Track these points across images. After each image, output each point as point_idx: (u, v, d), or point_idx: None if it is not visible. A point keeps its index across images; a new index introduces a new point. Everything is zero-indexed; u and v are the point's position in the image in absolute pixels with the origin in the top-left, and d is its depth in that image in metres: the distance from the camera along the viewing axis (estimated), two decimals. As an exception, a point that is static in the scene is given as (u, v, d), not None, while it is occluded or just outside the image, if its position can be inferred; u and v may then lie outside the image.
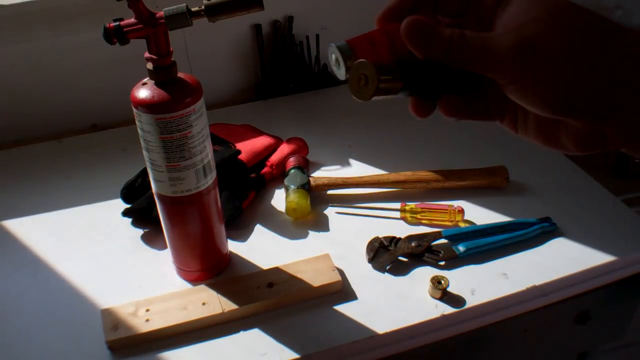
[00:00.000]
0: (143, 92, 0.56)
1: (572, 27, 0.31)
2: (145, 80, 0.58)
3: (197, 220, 0.65)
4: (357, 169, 0.88)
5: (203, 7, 0.53)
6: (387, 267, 0.70)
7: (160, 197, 0.63)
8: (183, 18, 0.54)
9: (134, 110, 0.57)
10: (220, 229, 0.68)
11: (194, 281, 0.69)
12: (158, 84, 0.57)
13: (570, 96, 0.31)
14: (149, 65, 0.56)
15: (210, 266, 0.69)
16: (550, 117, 0.33)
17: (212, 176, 0.63)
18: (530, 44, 0.30)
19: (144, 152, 0.60)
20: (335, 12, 1.08)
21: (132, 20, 0.55)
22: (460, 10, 0.36)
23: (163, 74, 0.57)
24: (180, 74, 0.59)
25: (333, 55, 0.41)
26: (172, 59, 0.57)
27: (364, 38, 0.42)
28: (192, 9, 0.54)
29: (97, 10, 0.90)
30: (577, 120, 0.32)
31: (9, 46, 0.92)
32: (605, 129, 0.32)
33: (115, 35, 0.55)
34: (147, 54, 0.56)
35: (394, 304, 0.66)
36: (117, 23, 0.54)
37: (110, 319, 0.62)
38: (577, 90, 0.31)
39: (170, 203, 0.63)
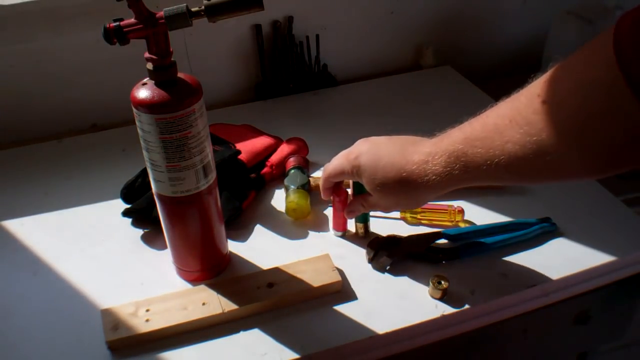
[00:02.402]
0: (143, 92, 0.56)
1: (390, 195, 0.64)
2: (145, 80, 0.58)
3: (197, 221, 0.65)
4: (357, 169, 0.88)
5: (203, 7, 0.53)
6: (387, 267, 0.70)
7: (160, 197, 0.63)
8: (183, 18, 0.54)
9: (134, 110, 0.57)
10: (220, 229, 0.68)
11: (194, 281, 0.69)
12: (158, 84, 0.57)
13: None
14: (149, 66, 0.56)
15: (210, 266, 0.69)
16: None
17: (212, 176, 0.63)
18: (383, 206, 0.68)
19: (144, 152, 0.60)
20: (335, 12, 1.08)
21: (132, 20, 0.54)
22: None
23: (163, 74, 0.57)
24: (180, 74, 0.59)
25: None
26: (172, 59, 0.57)
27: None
28: (192, 9, 0.54)
29: (97, 10, 0.90)
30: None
31: (9, 46, 0.92)
32: None
33: (115, 36, 0.54)
34: (147, 54, 0.56)
35: (394, 304, 0.66)
36: (117, 23, 0.54)
37: (110, 319, 0.62)
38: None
39: (170, 203, 0.63)
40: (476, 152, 0.53)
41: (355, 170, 0.65)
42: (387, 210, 0.69)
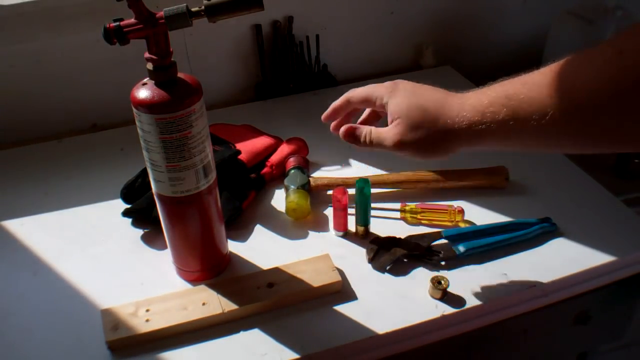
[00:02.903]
0: (143, 92, 0.56)
1: (417, 123, 0.55)
2: (145, 80, 0.58)
3: (197, 221, 0.65)
4: (357, 169, 0.88)
5: (203, 7, 0.53)
6: (387, 267, 0.70)
7: (160, 197, 0.63)
8: (183, 18, 0.54)
9: (134, 110, 0.57)
10: (220, 230, 0.68)
11: (194, 281, 0.69)
12: (158, 84, 0.57)
13: (421, 155, 0.57)
14: (149, 66, 0.56)
15: (210, 266, 0.69)
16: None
17: (212, 176, 0.63)
18: (398, 144, 0.57)
19: (144, 153, 0.60)
20: (335, 12, 1.08)
21: (132, 20, 0.54)
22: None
23: (163, 74, 0.57)
24: (180, 74, 0.59)
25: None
26: (172, 59, 0.57)
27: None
28: (192, 9, 0.54)
29: (97, 10, 0.90)
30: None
31: (9, 46, 0.92)
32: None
33: (115, 36, 0.54)
34: (147, 54, 0.56)
35: (394, 304, 0.66)
36: (117, 23, 0.54)
37: (110, 319, 0.62)
38: (424, 154, 0.57)
39: (170, 203, 0.63)
40: (532, 97, 0.48)
41: (391, 89, 0.59)
42: (396, 149, 0.58)
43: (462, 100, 0.54)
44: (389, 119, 0.58)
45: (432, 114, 0.55)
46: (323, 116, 0.65)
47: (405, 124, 0.56)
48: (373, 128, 0.60)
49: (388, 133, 0.58)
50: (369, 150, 0.60)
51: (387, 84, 0.60)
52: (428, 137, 0.55)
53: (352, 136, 0.61)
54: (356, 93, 0.62)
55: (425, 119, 0.55)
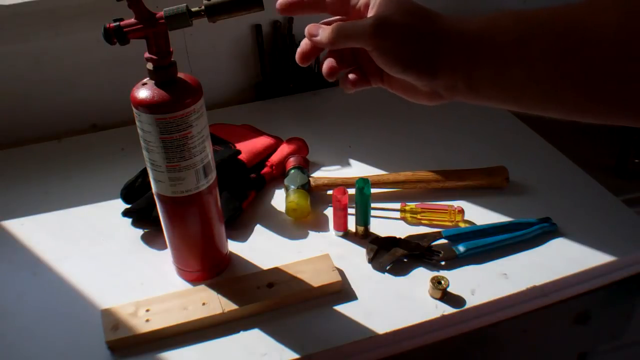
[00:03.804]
0: (143, 92, 0.56)
1: (411, 13, 0.44)
2: (145, 80, 0.58)
3: (197, 221, 0.65)
4: (357, 169, 0.88)
5: (203, 7, 0.53)
6: (387, 267, 0.70)
7: (160, 197, 0.63)
8: (183, 18, 0.54)
9: (134, 110, 0.57)
10: (221, 230, 0.68)
11: (194, 281, 0.69)
12: (158, 84, 0.57)
13: (405, 59, 0.44)
14: (149, 66, 0.56)
15: (210, 266, 0.69)
16: (398, 76, 0.45)
17: (212, 177, 0.63)
18: (381, 21, 0.43)
19: (144, 152, 0.60)
20: (335, 12, 1.08)
21: (132, 20, 0.54)
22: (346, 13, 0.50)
23: (163, 74, 0.57)
24: (180, 74, 0.59)
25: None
26: (172, 59, 0.57)
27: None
28: (192, 9, 0.54)
29: (97, 10, 0.90)
30: (414, 79, 0.45)
31: (9, 46, 0.92)
32: (436, 87, 0.46)
33: (115, 35, 0.54)
34: (147, 54, 0.56)
35: (394, 304, 0.66)
36: (117, 23, 0.54)
37: (110, 319, 0.62)
38: (409, 55, 0.44)
39: (170, 203, 0.63)
40: (557, 25, 0.40)
41: None
42: (375, 32, 0.44)
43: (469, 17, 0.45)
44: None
45: (429, 12, 0.45)
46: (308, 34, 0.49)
47: (395, 6, 0.44)
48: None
49: (365, 19, 0.45)
50: (336, 47, 0.47)
51: None
52: (419, 25, 0.44)
53: (316, 29, 0.48)
54: None
55: (420, 11, 0.45)
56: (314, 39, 0.48)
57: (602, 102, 0.40)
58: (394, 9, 0.44)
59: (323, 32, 0.47)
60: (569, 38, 0.39)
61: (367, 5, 0.47)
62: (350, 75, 0.51)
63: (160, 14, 0.54)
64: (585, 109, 0.41)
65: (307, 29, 0.49)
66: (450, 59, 0.43)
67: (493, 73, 0.42)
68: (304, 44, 0.50)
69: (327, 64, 0.50)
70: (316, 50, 0.50)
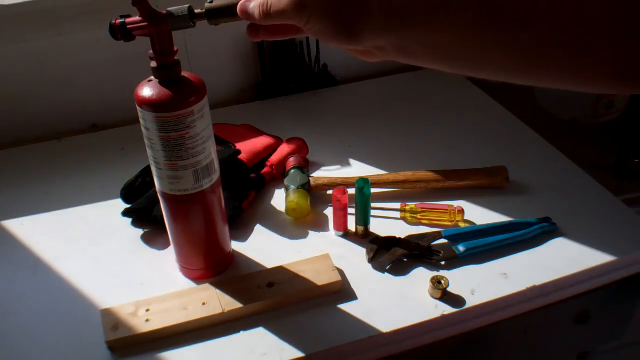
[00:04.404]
0: (144, 90, 0.57)
1: None
2: (151, 77, 0.58)
3: (199, 219, 0.65)
4: (357, 169, 0.88)
5: (204, 10, 0.53)
6: (387, 267, 0.70)
7: (162, 194, 0.64)
8: (184, 20, 0.54)
9: (137, 107, 0.58)
10: (224, 228, 0.68)
11: (197, 279, 0.69)
12: (162, 82, 0.57)
13: (329, 31, 0.44)
14: (153, 64, 0.57)
15: (212, 265, 0.69)
16: (328, 45, 0.46)
17: (213, 177, 0.63)
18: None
19: (148, 150, 0.61)
20: (335, 12, 1.08)
21: (137, 18, 0.55)
22: None
23: (165, 73, 0.57)
24: (186, 74, 0.59)
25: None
26: (176, 58, 0.57)
27: None
28: (195, 11, 0.54)
29: (97, 10, 0.90)
30: (342, 46, 0.45)
31: (9, 46, 0.92)
32: (365, 49, 0.46)
33: (120, 32, 0.55)
34: (150, 52, 0.56)
35: (394, 304, 0.66)
36: (123, 20, 0.55)
37: (110, 319, 0.62)
38: (333, 27, 0.44)
39: (172, 201, 0.63)
40: None
41: None
42: (297, 9, 0.45)
43: None
44: None
45: None
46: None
47: None
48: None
49: None
50: (269, 23, 0.48)
51: None
52: None
53: (245, 7, 0.50)
54: None
55: None
56: (249, 19, 0.50)
57: (537, 65, 0.39)
58: None
59: (253, 9, 0.49)
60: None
61: None
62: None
63: (164, 12, 0.54)
64: (521, 70, 0.40)
65: (239, 7, 0.50)
66: (373, 24, 0.42)
67: (420, 35, 0.41)
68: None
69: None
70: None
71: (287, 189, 0.80)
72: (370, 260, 0.71)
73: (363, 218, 0.74)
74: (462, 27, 0.39)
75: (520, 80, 0.41)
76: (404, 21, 0.41)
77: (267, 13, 0.47)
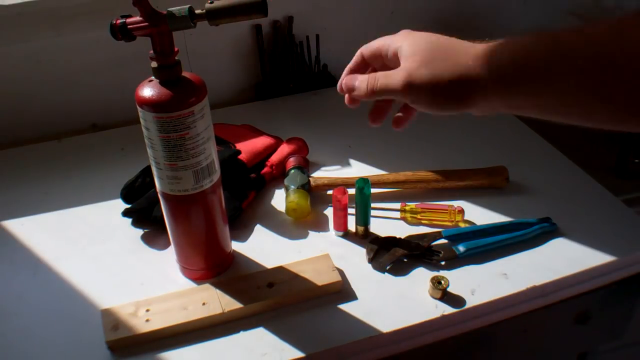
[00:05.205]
0: (144, 90, 0.57)
1: (437, 57, 0.48)
2: (151, 77, 0.58)
3: (199, 219, 0.65)
4: (357, 169, 0.88)
5: (205, 10, 0.53)
6: (387, 267, 0.70)
7: (162, 194, 0.64)
8: (185, 20, 0.54)
9: (138, 107, 0.57)
10: (224, 229, 0.68)
11: (197, 280, 0.69)
12: (162, 82, 0.57)
13: (440, 104, 0.48)
14: (153, 64, 0.57)
15: (213, 265, 0.69)
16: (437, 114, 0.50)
17: (213, 178, 0.63)
18: (410, 79, 0.48)
19: (148, 150, 0.61)
20: (335, 12, 1.08)
21: (138, 18, 0.55)
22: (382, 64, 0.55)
23: (166, 73, 0.57)
24: (187, 74, 0.59)
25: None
26: (177, 58, 0.57)
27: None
28: (195, 12, 0.54)
29: (98, 10, 0.90)
30: (451, 114, 0.49)
31: (9, 46, 0.92)
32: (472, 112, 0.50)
33: (120, 32, 0.55)
34: (151, 53, 0.56)
35: (394, 304, 0.66)
36: (123, 20, 0.55)
37: (110, 319, 0.62)
38: (442, 101, 0.48)
39: (171, 201, 0.63)
40: (589, 39, 0.41)
41: (405, 35, 0.52)
42: (405, 90, 0.49)
43: (494, 44, 0.47)
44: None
45: (454, 47, 0.48)
46: (340, 87, 0.56)
47: (419, 58, 0.48)
48: (379, 72, 0.52)
49: (397, 72, 0.49)
50: (373, 98, 0.52)
51: (402, 31, 0.53)
52: (445, 72, 0.47)
53: (351, 82, 0.54)
54: (368, 45, 0.55)
55: (445, 52, 0.47)
56: (354, 93, 0.54)
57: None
58: (419, 59, 0.48)
59: (360, 84, 0.53)
60: (598, 62, 0.40)
61: (395, 54, 0.51)
62: (397, 115, 0.58)
63: (164, 13, 0.54)
64: (620, 119, 0.43)
65: (345, 83, 0.54)
66: (484, 96, 0.46)
67: (528, 98, 0.45)
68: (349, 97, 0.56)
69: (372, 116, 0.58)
70: (386, 108, 0.58)
71: (287, 189, 0.80)
72: (370, 260, 0.71)
73: (363, 218, 0.74)
74: (566, 93, 0.43)
75: (627, 128, 0.44)
76: (509, 89, 0.45)
77: (374, 92, 0.51)
